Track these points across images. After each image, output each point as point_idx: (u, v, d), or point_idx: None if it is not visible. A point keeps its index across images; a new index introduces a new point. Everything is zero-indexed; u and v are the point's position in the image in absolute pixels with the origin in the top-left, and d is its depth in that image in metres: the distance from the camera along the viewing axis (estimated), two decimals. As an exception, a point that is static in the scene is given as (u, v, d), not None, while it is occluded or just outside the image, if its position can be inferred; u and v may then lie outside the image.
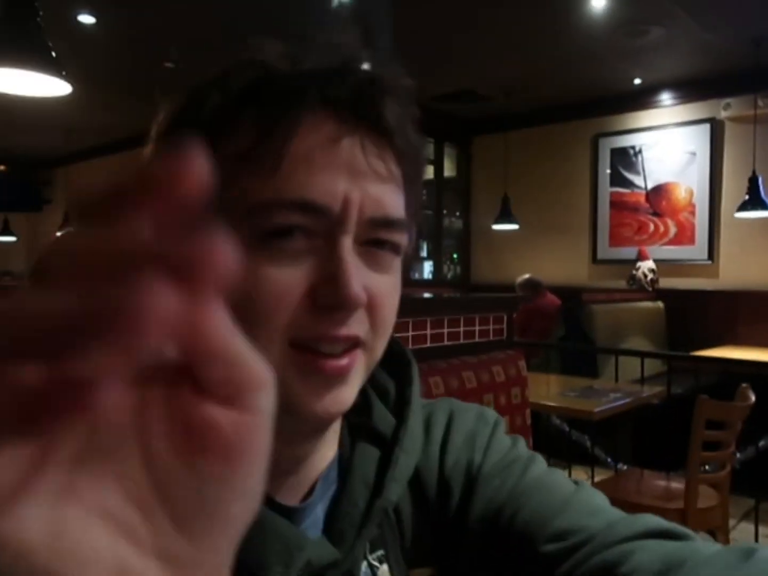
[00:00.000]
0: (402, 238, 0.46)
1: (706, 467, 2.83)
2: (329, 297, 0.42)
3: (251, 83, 0.44)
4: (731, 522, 2.79)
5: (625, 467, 3.25)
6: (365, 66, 0.45)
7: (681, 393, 3.48)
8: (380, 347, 0.47)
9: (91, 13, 4.09)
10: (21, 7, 2.09)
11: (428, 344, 1.62)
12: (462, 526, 0.55)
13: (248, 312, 0.38)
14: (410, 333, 1.57)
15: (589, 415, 2.51)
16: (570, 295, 4.66)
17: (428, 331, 1.62)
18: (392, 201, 0.45)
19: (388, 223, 0.45)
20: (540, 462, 0.56)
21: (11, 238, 8.82)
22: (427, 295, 2.58)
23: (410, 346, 1.58)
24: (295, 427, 0.45)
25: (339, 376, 0.44)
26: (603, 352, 4.12)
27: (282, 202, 0.42)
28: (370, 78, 0.45)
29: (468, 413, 0.60)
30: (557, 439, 3.73)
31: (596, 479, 3.07)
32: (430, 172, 6.39)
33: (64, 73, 2.17)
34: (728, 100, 4.87)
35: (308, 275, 0.42)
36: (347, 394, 0.45)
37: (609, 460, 3.68)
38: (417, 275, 6.52)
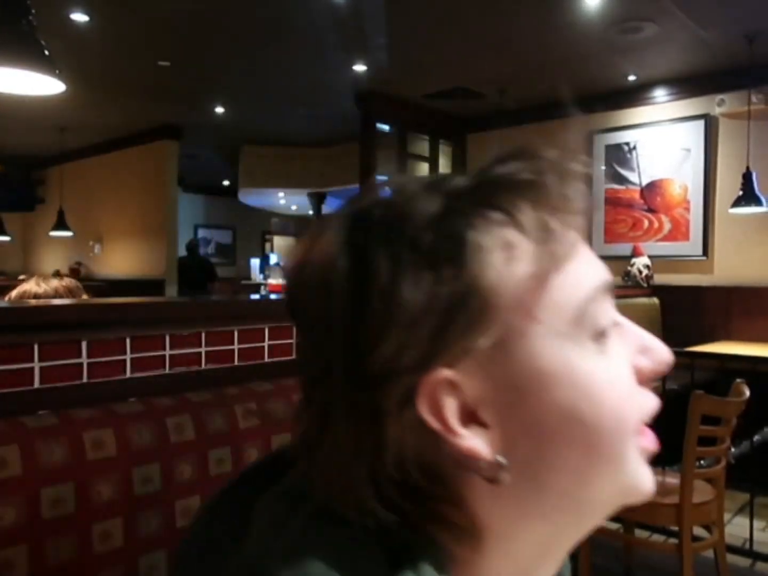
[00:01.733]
0: None
1: (702, 462, 2.84)
2: (650, 367, 0.44)
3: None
4: (726, 516, 2.81)
5: (620, 463, 3.25)
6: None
7: (676, 388, 3.49)
8: None
9: (85, 12, 4.07)
10: (14, 5, 2.08)
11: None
12: None
13: (604, 423, 0.40)
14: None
15: (584, 411, 2.50)
16: (565, 292, 4.66)
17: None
18: None
19: None
20: None
21: (6, 238, 8.79)
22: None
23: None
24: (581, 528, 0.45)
25: None
26: (598, 348, 4.12)
27: (605, 285, 0.43)
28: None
29: None
30: (553, 436, 3.73)
31: (592, 475, 3.08)
32: (424, 169, 6.39)
33: (57, 71, 2.16)
34: (722, 96, 4.88)
35: (626, 358, 0.43)
36: None
37: (605, 455, 3.69)
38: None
